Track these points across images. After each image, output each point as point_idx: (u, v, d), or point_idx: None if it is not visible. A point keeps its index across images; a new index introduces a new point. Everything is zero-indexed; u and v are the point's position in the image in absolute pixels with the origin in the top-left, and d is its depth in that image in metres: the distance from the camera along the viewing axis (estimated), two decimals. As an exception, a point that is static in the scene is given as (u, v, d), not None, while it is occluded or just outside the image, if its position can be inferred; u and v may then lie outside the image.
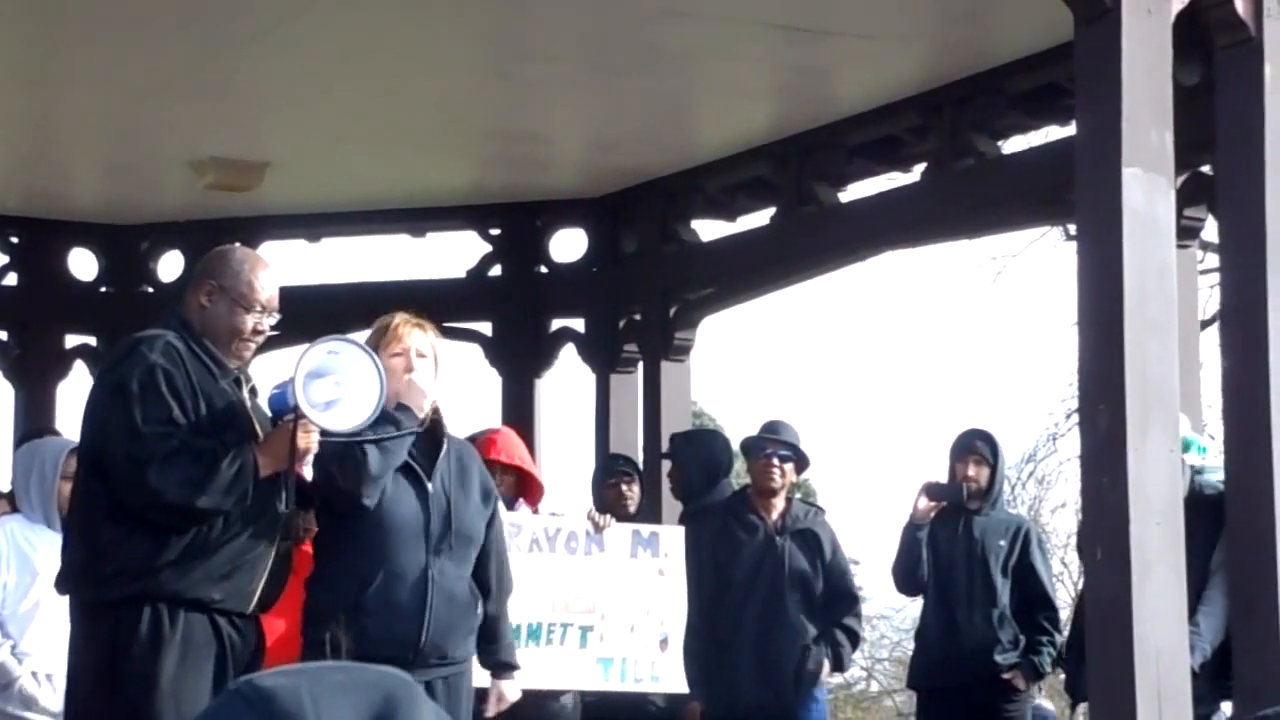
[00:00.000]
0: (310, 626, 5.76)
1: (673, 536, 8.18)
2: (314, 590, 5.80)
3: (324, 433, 5.50)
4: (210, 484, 5.37)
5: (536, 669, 6.89)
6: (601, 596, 7.86)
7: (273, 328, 5.70)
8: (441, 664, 5.79)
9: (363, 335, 5.98)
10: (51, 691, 6.97)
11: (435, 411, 5.90)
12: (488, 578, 5.98)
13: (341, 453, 5.66)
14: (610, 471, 9.22)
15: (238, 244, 6.25)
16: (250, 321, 5.64)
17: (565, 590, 7.75)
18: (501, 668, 6.14)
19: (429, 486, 5.81)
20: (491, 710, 6.22)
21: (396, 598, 5.70)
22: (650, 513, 9.39)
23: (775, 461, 8.35)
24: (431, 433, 5.88)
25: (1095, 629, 6.77)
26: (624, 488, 9.01)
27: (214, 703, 1.14)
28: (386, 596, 5.69)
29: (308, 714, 1.11)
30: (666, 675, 7.99)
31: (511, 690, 6.18)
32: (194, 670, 5.42)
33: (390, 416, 5.70)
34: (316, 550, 5.91)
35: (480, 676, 6.12)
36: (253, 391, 5.69)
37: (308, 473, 5.72)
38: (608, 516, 8.08)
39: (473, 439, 6.91)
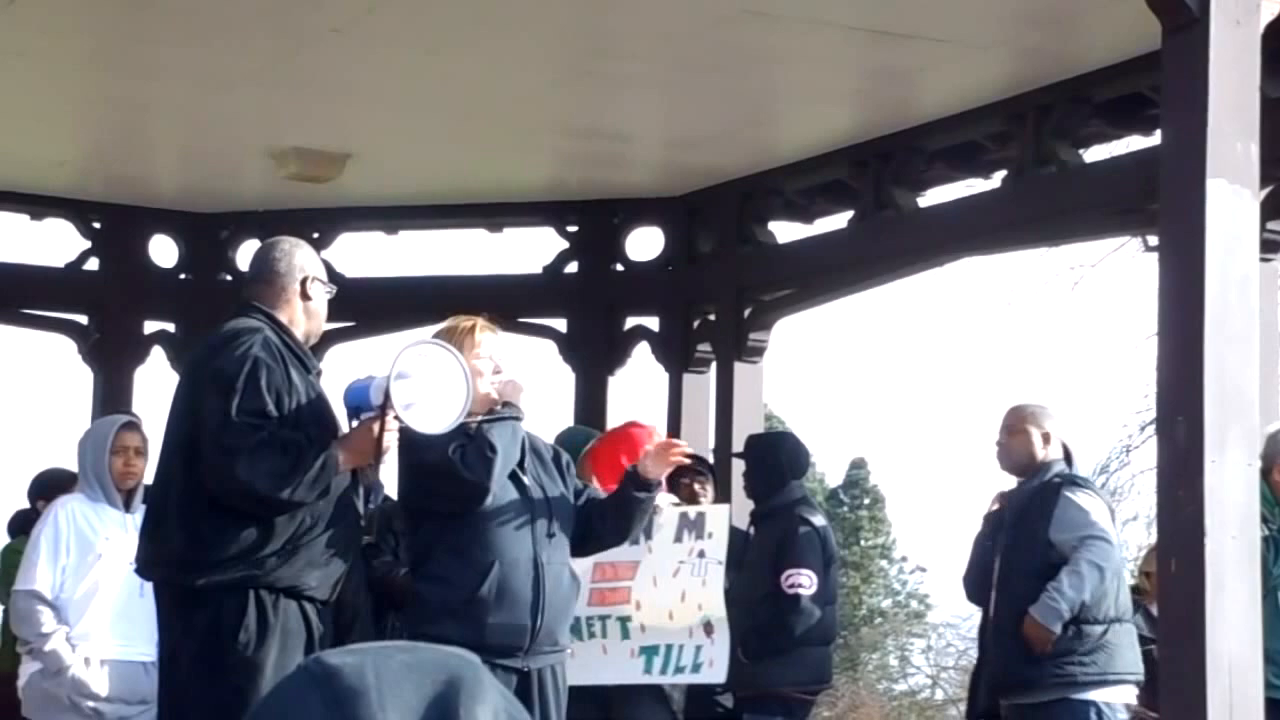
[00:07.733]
0: (423, 623, 5.78)
1: (718, 515, 7.84)
2: (425, 588, 5.86)
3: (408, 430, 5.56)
4: (297, 476, 5.42)
5: (579, 665, 6.78)
6: (635, 584, 7.52)
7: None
8: (552, 650, 5.90)
9: (432, 329, 6.05)
10: (103, 678, 6.95)
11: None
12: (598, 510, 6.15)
13: (467, 446, 5.71)
14: (683, 470, 9.21)
15: (284, 236, 6.11)
16: None
17: (600, 581, 7.48)
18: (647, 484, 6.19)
19: (524, 479, 5.89)
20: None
21: (512, 588, 5.78)
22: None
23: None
24: None
25: (1168, 641, 6.72)
26: (697, 487, 9.03)
27: (284, 679, 1.16)
28: (502, 588, 5.77)
29: (371, 692, 1.13)
30: (710, 663, 7.48)
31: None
32: (291, 657, 5.47)
33: (502, 417, 5.80)
34: (418, 550, 5.95)
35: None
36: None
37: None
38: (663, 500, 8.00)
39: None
